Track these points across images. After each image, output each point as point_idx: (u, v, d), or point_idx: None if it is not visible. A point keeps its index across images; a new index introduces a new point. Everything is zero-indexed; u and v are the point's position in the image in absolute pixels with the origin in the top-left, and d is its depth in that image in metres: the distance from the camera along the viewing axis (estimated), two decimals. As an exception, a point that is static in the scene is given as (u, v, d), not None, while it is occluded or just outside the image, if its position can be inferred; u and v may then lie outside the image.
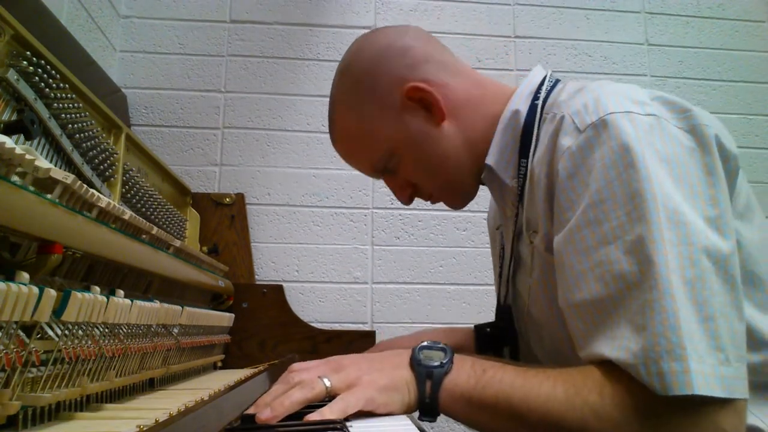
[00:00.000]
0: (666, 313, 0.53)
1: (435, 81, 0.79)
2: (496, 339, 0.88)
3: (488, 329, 0.88)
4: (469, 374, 0.61)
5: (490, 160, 0.79)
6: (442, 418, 0.61)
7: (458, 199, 0.87)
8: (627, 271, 0.57)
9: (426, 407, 0.61)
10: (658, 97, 0.66)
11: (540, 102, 0.75)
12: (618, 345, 0.56)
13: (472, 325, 1.12)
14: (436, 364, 0.62)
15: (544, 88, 0.77)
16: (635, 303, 0.56)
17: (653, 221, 0.56)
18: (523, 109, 0.77)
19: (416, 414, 0.63)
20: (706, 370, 0.52)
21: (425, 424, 0.62)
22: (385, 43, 0.82)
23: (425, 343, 0.65)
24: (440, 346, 0.64)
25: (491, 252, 1.03)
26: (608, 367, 0.57)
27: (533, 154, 0.73)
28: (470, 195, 0.87)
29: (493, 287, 1.66)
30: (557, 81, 0.79)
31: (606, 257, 0.59)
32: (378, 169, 0.85)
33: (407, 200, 0.87)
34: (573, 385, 0.57)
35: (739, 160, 0.65)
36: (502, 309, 0.87)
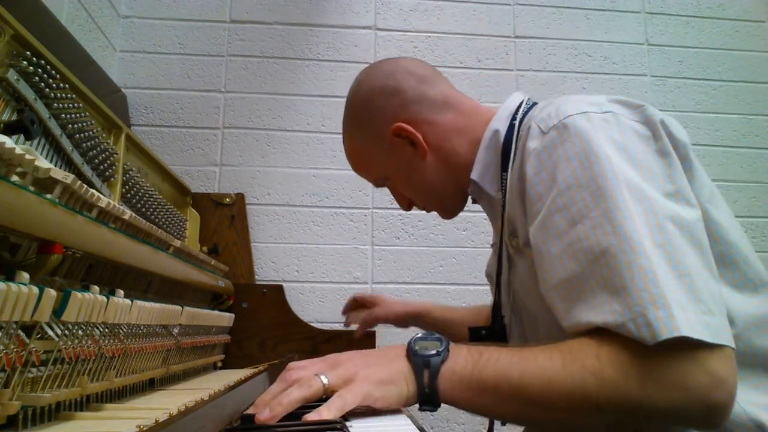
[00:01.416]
0: (643, 270, 0.57)
1: (419, 120, 0.89)
2: (491, 341, 0.89)
3: (483, 332, 0.89)
4: (466, 359, 0.62)
5: (474, 175, 0.87)
6: (442, 418, 0.61)
7: (447, 213, 0.98)
8: (596, 242, 0.60)
9: (426, 397, 0.61)
10: (614, 99, 0.73)
11: (517, 122, 0.82)
12: (602, 310, 0.58)
13: (474, 306, 1.19)
14: (433, 353, 0.63)
15: (521, 109, 0.84)
16: (608, 268, 0.59)
17: (618, 195, 0.61)
18: (503, 128, 0.84)
19: (417, 407, 0.63)
20: (691, 318, 0.55)
21: (425, 424, 0.62)
22: (379, 84, 0.91)
23: (420, 335, 0.66)
24: (435, 336, 0.65)
25: (487, 272, 1.06)
26: (598, 333, 0.59)
27: (511, 167, 0.79)
28: (457, 210, 0.98)
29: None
30: (534, 104, 0.85)
31: (576, 236, 0.62)
32: (378, 185, 1.00)
33: (406, 209, 1.00)
34: (569, 353, 0.59)
35: (690, 149, 0.71)
36: (494, 312, 0.89)
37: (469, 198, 0.94)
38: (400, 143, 0.90)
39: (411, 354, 0.64)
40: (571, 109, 0.69)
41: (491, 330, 0.88)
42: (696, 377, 0.54)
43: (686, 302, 0.56)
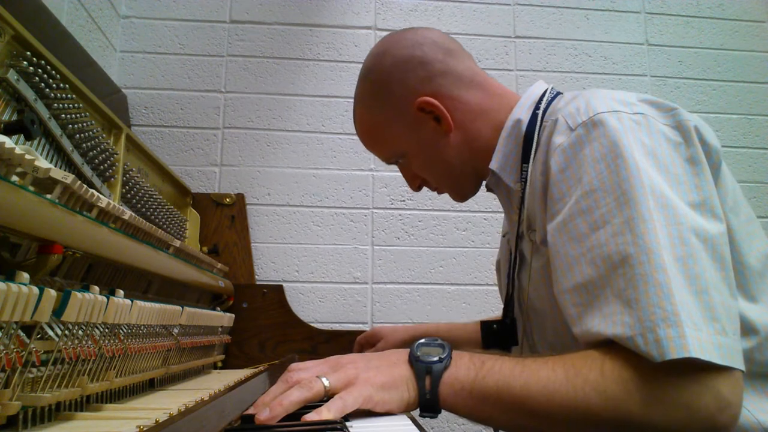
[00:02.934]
0: (659, 285, 0.55)
1: (446, 95, 0.85)
2: (502, 336, 0.88)
3: (495, 326, 0.89)
4: (468, 367, 0.62)
5: (494, 165, 0.84)
6: (442, 418, 0.61)
7: (459, 196, 0.95)
8: (615, 251, 0.59)
9: (426, 403, 0.61)
10: (645, 99, 0.71)
11: (540, 111, 0.80)
12: (612, 321, 0.57)
13: (478, 321, 1.16)
14: (435, 359, 0.62)
15: (545, 99, 0.82)
16: (625, 279, 0.58)
17: (641, 203, 0.59)
18: (525, 117, 0.81)
19: (417, 412, 0.63)
20: (703, 337, 0.54)
21: (425, 425, 0.62)
22: (406, 54, 0.86)
23: (423, 340, 0.65)
24: (438, 342, 0.65)
25: (497, 260, 1.05)
26: (606, 345, 0.58)
27: (533, 159, 0.77)
28: (471, 194, 0.95)
29: (493, 287, 1.67)
30: (558, 93, 0.83)
31: (597, 241, 0.61)
32: (390, 162, 0.95)
33: (416, 189, 0.96)
34: (572, 366, 0.58)
35: (721, 155, 0.69)
36: (506, 307, 0.88)
37: (483, 186, 0.92)
38: (423, 119, 0.86)
39: (413, 360, 0.63)
40: (601, 106, 0.67)
41: (503, 324, 0.87)
42: (701, 399, 0.53)
43: (700, 321, 0.54)
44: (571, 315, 0.63)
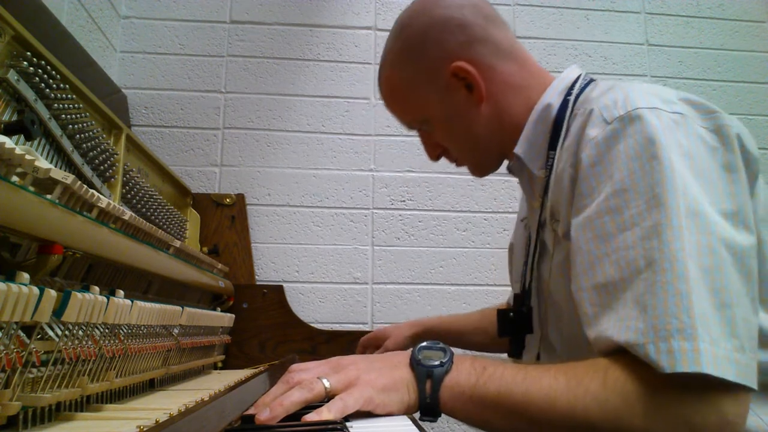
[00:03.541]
0: (679, 295, 0.54)
1: (483, 63, 0.81)
2: (518, 325, 0.86)
3: (511, 314, 0.87)
4: (470, 372, 0.61)
5: (519, 150, 0.81)
6: (442, 419, 0.61)
7: (479, 171, 0.91)
8: (641, 255, 0.58)
9: (427, 407, 0.61)
10: (685, 97, 0.68)
11: (572, 98, 0.77)
12: (626, 326, 0.56)
13: (481, 310, 1.17)
14: (436, 363, 0.62)
15: (577, 85, 0.79)
16: (646, 285, 0.56)
17: (672, 208, 0.57)
18: (556, 103, 0.79)
19: (418, 415, 0.63)
20: (719, 353, 0.52)
21: (425, 425, 0.62)
22: (446, 14, 0.82)
23: (425, 344, 0.65)
24: (440, 346, 0.64)
25: (510, 243, 1.03)
26: (613, 354, 0.57)
27: (561, 146, 0.75)
28: (491, 170, 0.91)
29: (493, 287, 1.67)
30: (591, 80, 0.81)
31: (623, 243, 0.59)
32: (412, 127, 0.91)
33: (435, 159, 0.92)
34: (575, 375, 0.57)
35: (759, 165, 0.66)
36: (523, 295, 0.86)
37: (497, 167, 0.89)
38: (455, 85, 0.81)
39: (414, 363, 0.63)
40: (640, 101, 0.65)
41: (519, 313, 0.85)
42: (704, 417, 0.53)
43: (719, 335, 0.53)
44: (586, 314, 0.62)
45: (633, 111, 0.64)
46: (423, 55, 0.82)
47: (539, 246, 0.81)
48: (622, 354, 0.57)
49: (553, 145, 0.76)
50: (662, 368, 0.53)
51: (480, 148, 0.86)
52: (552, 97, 0.80)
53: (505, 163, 0.90)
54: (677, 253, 0.56)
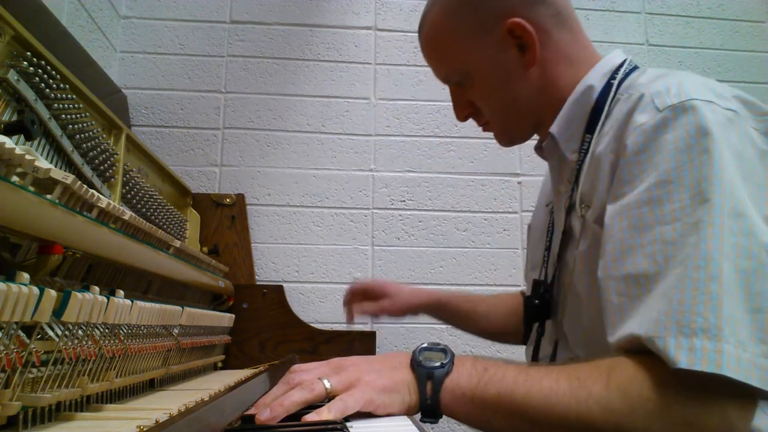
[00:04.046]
0: (710, 294, 0.53)
1: (541, 26, 0.77)
2: (543, 312, 0.85)
3: (536, 301, 0.84)
4: (471, 373, 0.61)
5: (554, 129, 0.79)
6: (443, 419, 0.61)
7: (507, 139, 0.87)
8: (679, 250, 0.56)
9: (428, 408, 0.61)
10: (738, 95, 0.67)
11: (616, 82, 0.75)
12: (648, 317, 0.55)
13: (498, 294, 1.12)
14: (437, 364, 0.62)
15: (622, 69, 0.77)
16: (676, 280, 0.55)
17: (716, 206, 0.56)
18: (598, 85, 0.76)
19: (419, 416, 0.63)
20: (745, 356, 0.51)
21: (425, 425, 0.62)
22: None
23: (425, 345, 0.65)
24: (441, 347, 0.64)
25: (529, 225, 1.01)
26: (624, 353, 0.57)
27: (599, 131, 0.72)
28: (520, 141, 0.87)
29: (494, 287, 1.67)
30: (636, 67, 0.79)
31: (661, 236, 0.58)
32: (448, 81, 0.86)
33: (463, 119, 0.88)
34: (577, 378, 0.57)
35: None
36: (542, 283, 0.85)
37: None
38: (509, 43, 0.77)
39: (415, 364, 0.63)
40: (695, 92, 0.62)
41: (543, 299, 0.83)
42: (707, 419, 0.52)
43: (748, 339, 0.52)
44: (611, 302, 0.61)
45: (687, 101, 0.61)
46: (480, 5, 0.78)
47: (566, 232, 0.78)
48: (630, 354, 0.56)
49: (590, 128, 0.74)
50: (678, 363, 0.51)
51: (517, 113, 0.82)
52: (595, 78, 0.77)
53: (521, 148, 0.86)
54: (713, 252, 0.54)
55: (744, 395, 0.52)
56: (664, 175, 0.60)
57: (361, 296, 1.18)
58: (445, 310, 1.16)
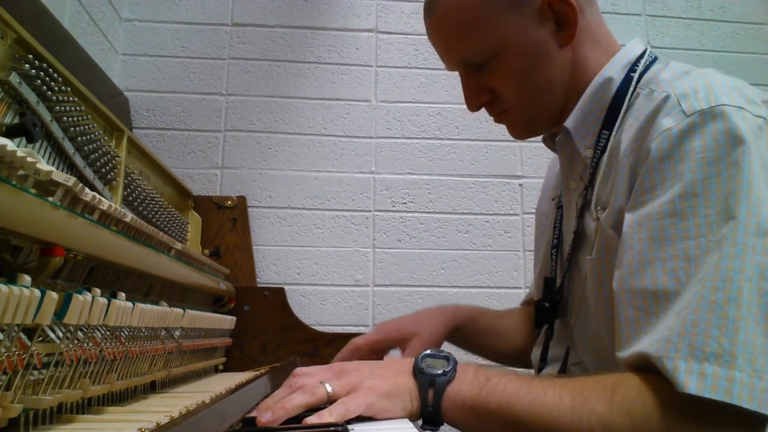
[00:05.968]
0: (726, 318, 0.51)
1: (580, 4, 0.72)
2: (550, 313, 0.82)
3: (547, 304, 0.82)
4: (473, 382, 0.60)
5: (569, 123, 0.75)
6: (444, 426, 0.61)
7: (527, 128, 0.81)
8: (701, 268, 0.54)
9: (429, 416, 0.60)
10: (767, 99, 0.64)
11: (636, 75, 0.71)
12: (660, 335, 0.53)
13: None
14: (439, 372, 0.61)
15: (642, 61, 0.73)
16: (694, 300, 0.53)
17: (741, 223, 0.54)
18: (617, 78, 0.72)
19: (420, 423, 0.63)
20: (760, 385, 0.49)
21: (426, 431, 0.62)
22: None
23: (428, 352, 0.64)
24: (443, 354, 0.64)
25: (537, 222, 0.97)
26: (631, 371, 0.56)
27: (618, 128, 0.69)
28: (540, 131, 0.82)
29: (494, 290, 1.67)
30: (656, 58, 0.75)
31: (684, 252, 0.55)
32: (468, 63, 0.76)
33: (476, 108, 0.79)
34: (580, 394, 0.56)
35: None
36: (551, 283, 0.82)
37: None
38: (546, 17, 0.71)
39: (417, 371, 0.62)
40: (725, 98, 0.59)
41: (553, 301, 0.81)
42: None
43: (765, 366, 0.50)
44: (626, 316, 0.58)
45: (717, 107, 0.58)
46: None
47: (578, 233, 0.76)
48: (638, 371, 0.55)
49: (607, 124, 0.71)
50: (687, 388, 0.50)
51: (546, 97, 0.75)
52: (614, 71, 0.73)
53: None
54: (733, 274, 0.52)
55: (752, 423, 0.51)
56: (689, 186, 0.57)
57: (367, 354, 0.96)
58: (471, 328, 1.02)
